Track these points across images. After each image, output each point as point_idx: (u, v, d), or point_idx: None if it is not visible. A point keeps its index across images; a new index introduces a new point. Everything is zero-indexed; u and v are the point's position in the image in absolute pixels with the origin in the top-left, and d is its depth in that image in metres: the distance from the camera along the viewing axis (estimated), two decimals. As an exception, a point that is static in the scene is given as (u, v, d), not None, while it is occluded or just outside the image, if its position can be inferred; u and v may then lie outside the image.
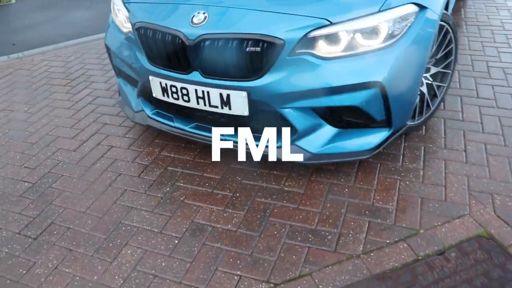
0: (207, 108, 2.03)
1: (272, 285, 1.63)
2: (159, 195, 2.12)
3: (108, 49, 2.47)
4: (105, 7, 5.28)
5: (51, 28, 4.70)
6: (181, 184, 2.18)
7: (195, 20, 1.94)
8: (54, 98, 3.14)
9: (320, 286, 1.61)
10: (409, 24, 1.91)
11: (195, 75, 1.99)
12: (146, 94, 2.33)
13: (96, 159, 2.41)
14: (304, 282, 1.63)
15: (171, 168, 2.29)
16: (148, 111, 2.36)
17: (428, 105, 2.42)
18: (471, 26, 3.78)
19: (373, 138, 2.03)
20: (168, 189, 2.15)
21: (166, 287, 1.66)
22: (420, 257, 1.69)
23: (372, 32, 1.84)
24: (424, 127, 2.47)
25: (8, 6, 5.66)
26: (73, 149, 2.53)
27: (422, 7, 1.97)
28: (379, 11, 1.85)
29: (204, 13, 1.94)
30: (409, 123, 2.26)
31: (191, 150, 2.43)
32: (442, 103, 2.65)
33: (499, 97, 2.70)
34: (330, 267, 1.68)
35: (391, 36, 1.87)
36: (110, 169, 2.33)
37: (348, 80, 1.83)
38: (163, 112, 2.33)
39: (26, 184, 2.28)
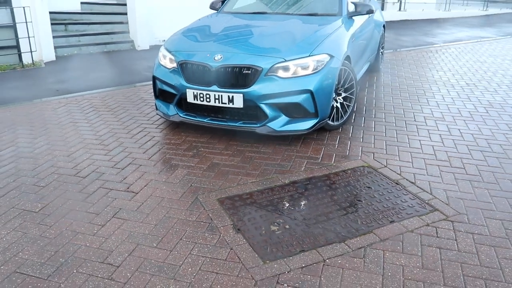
0: (220, 104, 3.76)
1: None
2: (191, 153, 3.75)
3: (155, 78, 4.20)
4: (112, 71, 7.07)
5: (82, 82, 6.40)
6: (202, 149, 3.82)
7: (216, 58, 3.75)
8: (103, 119, 4.75)
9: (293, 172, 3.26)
10: (324, 63, 3.80)
11: (214, 87, 3.75)
12: (180, 103, 4.03)
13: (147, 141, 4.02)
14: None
15: (195, 144, 3.94)
16: (180, 113, 4.05)
17: (341, 116, 4.26)
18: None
19: (308, 123, 3.80)
20: (195, 150, 3.79)
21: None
22: (331, 172, 3.39)
23: (306, 66, 3.71)
24: (340, 128, 4.28)
25: (41, 69, 7.35)
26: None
27: (331, 56, 3.87)
28: (309, 55, 3.73)
29: (220, 55, 3.76)
30: (331, 123, 4.07)
31: (204, 137, 4.10)
32: (350, 117, 4.51)
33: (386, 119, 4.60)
34: (288, 172, 3.35)
35: (315, 68, 3.73)
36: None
37: (294, 88, 3.65)
38: (189, 113, 4.02)
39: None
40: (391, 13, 14.51)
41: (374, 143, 3.96)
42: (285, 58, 3.69)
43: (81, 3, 10.12)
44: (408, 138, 4.10)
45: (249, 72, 3.65)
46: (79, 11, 9.91)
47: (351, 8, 4.91)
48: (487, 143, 4.04)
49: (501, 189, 3.20)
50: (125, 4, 9.34)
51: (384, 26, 6.93)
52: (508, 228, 2.73)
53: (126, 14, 9.35)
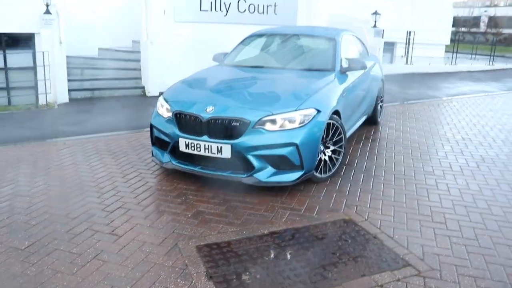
0: (209, 154, 3.94)
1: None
2: (179, 200, 3.89)
3: (152, 126, 4.43)
4: (120, 116, 7.39)
5: (89, 125, 6.70)
6: (191, 197, 3.97)
7: (208, 109, 3.97)
8: (104, 162, 4.97)
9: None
10: (311, 117, 3.98)
11: (205, 137, 3.94)
12: (173, 151, 4.23)
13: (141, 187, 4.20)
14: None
15: (185, 191, 4.10)
16: (173, 161, 4.24)
17: (329, 169, 4.39)
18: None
19: (294, 175, 3.95)
20: (183, 197, 3.94)
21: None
22: (312, 224, 3.49)
23: (292, 119, 3.90)
24: (328, 180, 4.41)
25: (53, 110, 7.73)
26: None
27: (318, 110, 4.06)
28: (296, 110, 3.93)
29: (212, 107, 3.98)
30: (318, 175, 4.21)
31: (194, 183, 4.26)
32: (338, 170, 4.64)
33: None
34: (269, 223, 3.45)
35: (302, 122, 3.91)
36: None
37: (280, 141, 3.82)
38: (182, 161, 4.21)
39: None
40: (398, 66, 14.89)
41: (359, 196, 4.07)
42: (273, 112, 3.89)
43: (99, 49, 10.68)
44: (394, 192, 4.20)
45: (238, 124, 3.85)
46: (96, 57, 10.45)
47: (345, 64, 5.16)
48: (472, 198, 4.11)
49: (479, 246, 3.24)
50: (139, 52, 9.83)
51: (383, 80, 7.17)
52: (480, 285, 2.76)
53: (139, 61, 9.82)
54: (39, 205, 3.74)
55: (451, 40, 18.45)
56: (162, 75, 9.44)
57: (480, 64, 18.19)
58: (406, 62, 15.26)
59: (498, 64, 18.85)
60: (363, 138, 6.16)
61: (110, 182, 4.31)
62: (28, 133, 6.17)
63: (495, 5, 50.18)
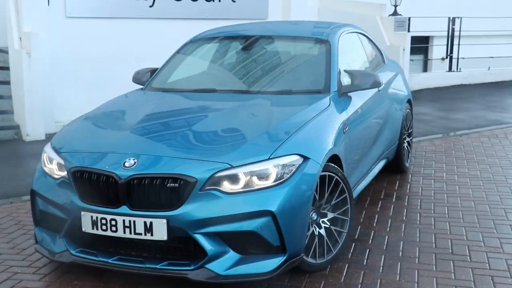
0: (132, 235, 4.09)
1: None
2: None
3: (34, 194, 4.56)
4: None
5: None
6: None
7: (127, 164, 4.15)
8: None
9: None
10: (294, 169, 4.21)
11: (123, 209, 4.11)
12: (72, 233, 4.35)
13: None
14: None
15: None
16: (72, 250, 4.36)
17: (329, 249, 4.60)
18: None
19: (271, 262, 4.12)
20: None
21: None
22: None
23: (264, 174, 4.12)
24: (328, 267, 4.60)
25: None
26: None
27: (305, 157, 4.30)
28: (269, 158, 4.16)
29: (134, 160, 4.17)
30: (310, 260, 4.41)
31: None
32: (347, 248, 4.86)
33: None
34: None
35: (280, 177, 4.14)
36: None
37: (246, 209, 4.02)
38: (86, 249, 4.33)
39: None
40: (437, 76, 15.44)
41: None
42: (232, 163, 4.11)
43: None
44: (435, 283, 4.40)
45: (177, 185, 4.03)
46: None
47: (346, 80, 5.47)
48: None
49: None
50: (8, 68, 9.92)
51: (410, 100, 7.52)
52: None
53: (8, 83, 9.92)
54: None
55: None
56: (49, 106, 9.54)
57: None
58: (450, 68, 15.81)
59: None
60: (382, 196, 6.42)
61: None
62: None
63: None
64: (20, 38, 9.34)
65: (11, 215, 5.97)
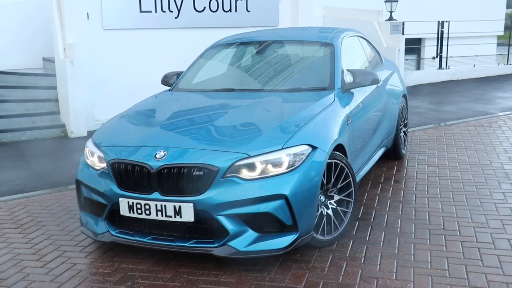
0: (164, 218, 4.14)
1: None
2: (123, 286, 4.05)
3: (79, 183, 4.63)
4: (29, 170, 7.55)
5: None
6: (140, 281, 4.13)
7: (158, 155, 4.19)
8: (6, 239, 5.10)
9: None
10: (304, 157, 4.24)
11: (155, 195, 4.15)
12: (112, 217, 4.41)
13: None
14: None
15: (132, 274, 4.26)
16: (112, 231, 4.42)
17: (336, 227, 4.62)
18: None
19: (285, 240, 4.15)
20: (129, 283, 4.10)
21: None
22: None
23: (278, 162, 4.15)
24: (335, 243, 4.62)
25: None
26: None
27: (314, 147, 4.32)
28: (282, 148, 4.19)
29: (164, 152, 4.21)
30: (319, 237, 4.43)
31: (146, 262, 4.42)
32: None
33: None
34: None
35: (292, 164, 4.16)
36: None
37: (263, 193, 4.05)
38: (124, 230, 4.39)
39: None
40: (429, 73, 15.48)
41: (380, 265, 4.28)
42: (249, 153, 4.14)
43: (-5, 73, 10.86)
44: (430, 256, 4.40)
45: (201, 173, 4.08)
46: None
47: (348, 78, 5.49)
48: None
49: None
50: (55, 75, 10.04)
51: (405, 95, 7.53)
52: None
53: (55, 88, 10.03)
54: None
55: (506, 28, 18.95)
56: (90, 107, 9.67)
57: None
58: (440, 66, 15.86)
59: None
60: (382, 180, 6.44)
61: (17, 269, 4.44)
62: None
63: None
64: (64, 48, 9.51)
65: (60, 201, 6.06)
